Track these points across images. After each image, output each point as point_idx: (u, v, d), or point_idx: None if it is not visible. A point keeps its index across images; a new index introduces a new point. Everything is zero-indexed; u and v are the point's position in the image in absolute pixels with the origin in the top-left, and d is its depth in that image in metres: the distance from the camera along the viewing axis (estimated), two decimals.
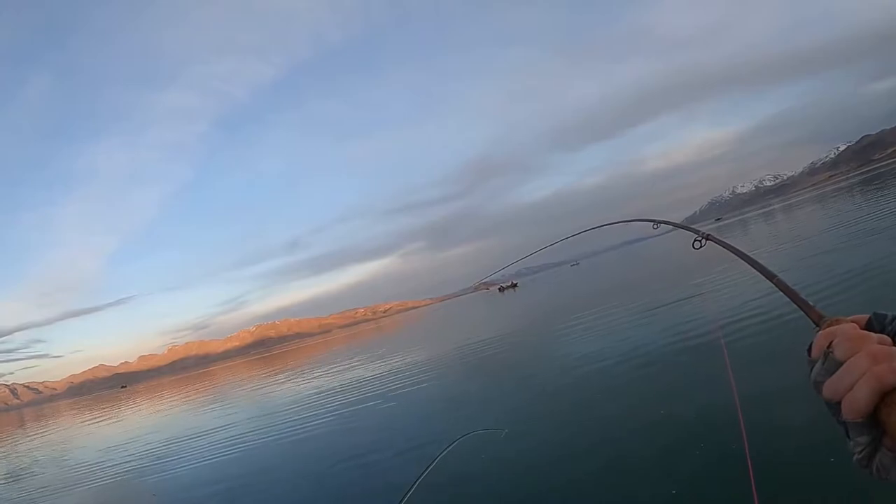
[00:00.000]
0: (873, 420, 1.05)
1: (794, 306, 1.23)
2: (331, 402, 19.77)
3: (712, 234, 2.00)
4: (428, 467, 3.77)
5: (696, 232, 2.08)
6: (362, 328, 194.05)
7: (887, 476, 1.05)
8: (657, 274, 34.10)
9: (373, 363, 31.21)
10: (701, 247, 2.06)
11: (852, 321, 1.05)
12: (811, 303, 1.18)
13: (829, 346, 1.05)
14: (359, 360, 35.73)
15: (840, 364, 1.05)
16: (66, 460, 23.17)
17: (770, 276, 1.43)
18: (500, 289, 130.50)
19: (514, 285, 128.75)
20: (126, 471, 17.08)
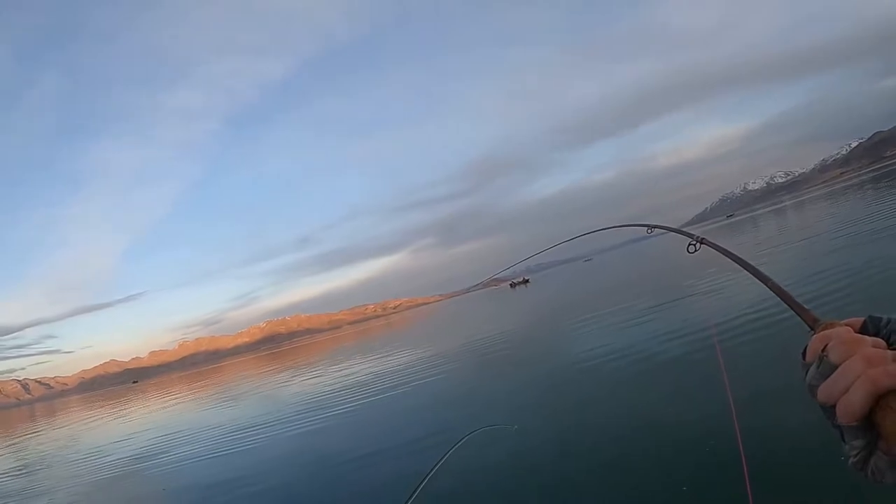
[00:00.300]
0: (868, 423, 1.05)
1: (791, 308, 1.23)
2: (341, 398, 19.83)
3: (706, 238, 1.99)
4: (438, 462, 3.79)
5: (691, 236, 2.07)
6: (372, 324, 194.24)
7: (883, 479, 1.05)
8: (660, 273, 34.02)
9: (383, 359, 31.22)
10: (696, 251, 2.05)
11: (847, 324, 1.05)
12: (806, 306, 1.17)
13: (823, 350, 1.05)
14: (369, 356, 35.80)
15: (835, 367, 1.05)
16: (77, 454, 23.28)
17: (764, 279, 1.43)
18: (511, 284, 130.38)
19: (526, 281, 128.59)
20: (136, 464, 17.18)
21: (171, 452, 17.71)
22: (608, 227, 3.62)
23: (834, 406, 1.05)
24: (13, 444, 36.53)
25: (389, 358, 30.80)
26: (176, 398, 46.38)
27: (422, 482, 3.44)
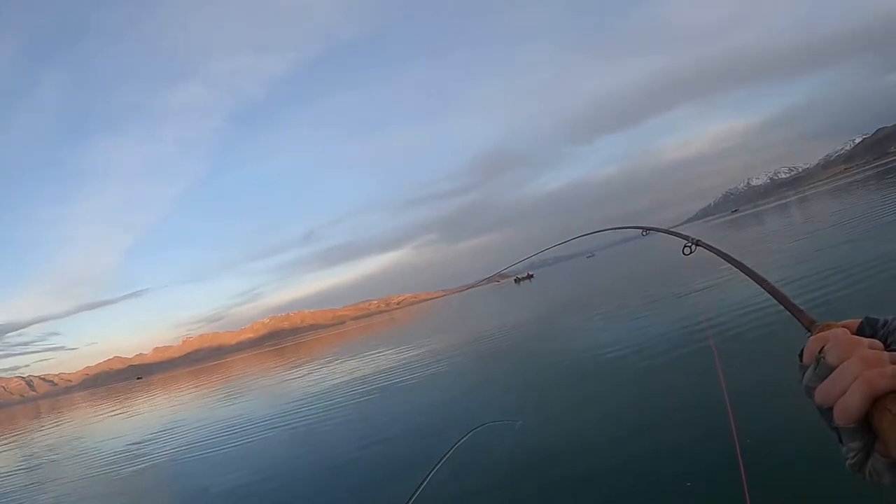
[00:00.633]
0: (866, 425, 1.04)
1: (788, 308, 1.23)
2: (345, 394, 19.86)
3: (702, 240, 1.99)
4: (442, 458, 3.80)
5: (686, 238, 2.06)
6: (376, 320, 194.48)
7: (880, 481, 1.04)
8: (659, 271, 33.95)
9: (386, 355, 31.24)
10: (691, 253, 2.04)
11: (844, 326, 1.05)
12: (802, 307, 1.18)
13: (820, 352, 1.04)
14: (372, 352, 35.82)
15: (832, 369, 1.04)
16: (82, 451, 23.31)
17: (760, 281, 1.43)
18: (515, 280, 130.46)
19: (530, 276, 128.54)
20: (142, 461, 17.19)
21: (175, 448, 17.75)
22: (605, 229, 3.64)
23: (831, 408, 1.04)
24: (18, 441, 36.60)
25: (392, 354, 30.86)
26: (181, 394, 46.49)
27: (426, 477, 3.45)
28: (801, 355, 1.04)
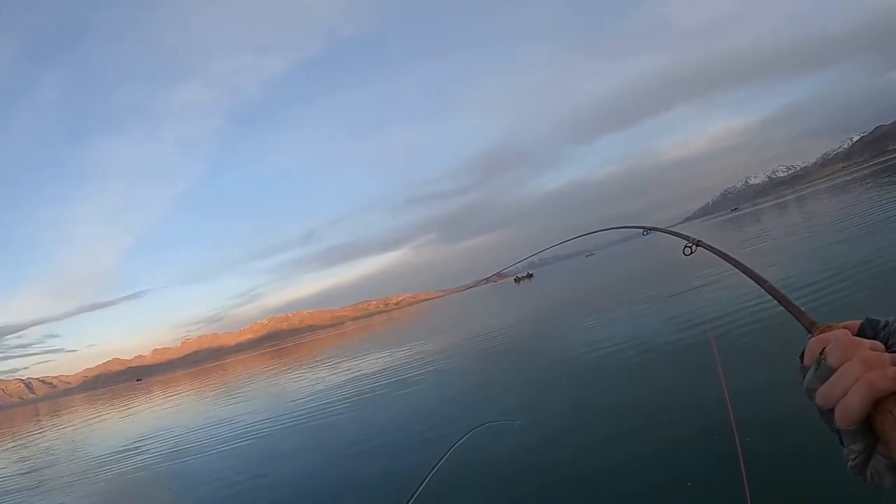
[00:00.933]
0: (867, 427, 1.04)
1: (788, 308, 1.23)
2: (344, 395, 19.86)
3: (702, 240, 1.98)
4: (442, 458, 3.79)
5: (686, 238, 2.06)
6: (375, 320, 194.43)
7: (881, 482, 1.04)
8: (659, 270, 33.94)
9: (385, 355, 31.22)
10: (691, 253, 2.03)
11: (844, 327, 1.04)
12: (803, 308, 1.17)
13: (821, 353, 1.04)
14: (371, 353, 35.81)
15: (833, 371, 1.04)
16: (81, 453, 23.34)
17: (761, 281, 1.43)
18: (515, 279, 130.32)
19: (530, 276, 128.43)
20: (141, 463, 17.21)
21: (175, 450, 17.75)
22: (606, 229, 3.65)
23: (832, 409, 1.04)
24: (17, 444, 36.61)
25: (391, 354, 30.85)
26: (180, 396, 46.47)
27: (426, 477, 3.45)
28: (801, 357, 1.04)
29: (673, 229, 2.41)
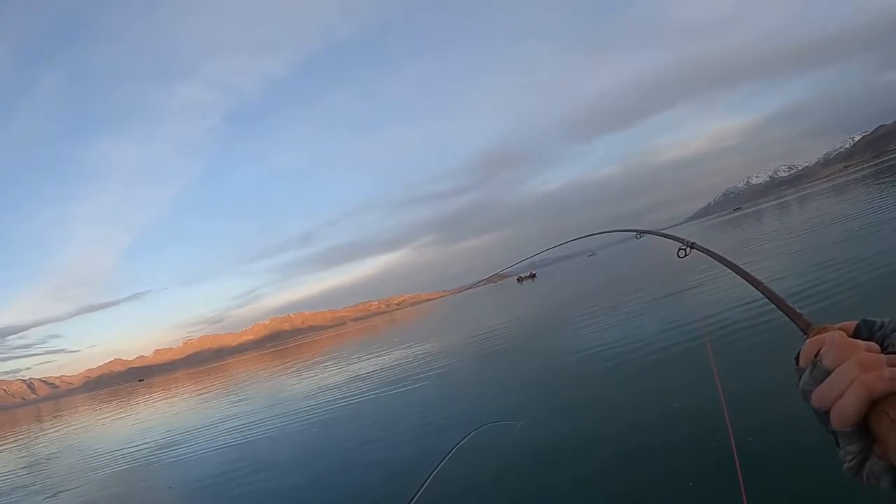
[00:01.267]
0: (863, 428, 1.04)
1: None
2: (346, 395, 19.87)
3: (696, 242, 1.98)
4: (443, 459, 3.81)
5: (680, 241, 2.06)
6: (376, 321, 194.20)
7: (878, 484, 1.04)
8: (658, 270, 33.94)
9: (386, 356, 31.20)
10: (686, 255, 2.03)
11: (840, 328, 1.04)
12: (798, 310, 1.17)
13: (817, 355, 1.04)
14: (372, 353, 35.81)
15: (828, 372, 1.04)
16: (83, 453, 23.36)
17: (756, 283, 1.43)
18: (518, 279, 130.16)
19: (533, 276, 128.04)
20: (143, 463, 17.24)
21: (176, 450, 17.76)
22: (600, 233, 3.68)
23: (828, 411, 1.04)
24: (20, 444, 36.65)
25: (393, 355, 30.82)
26: (182, 396, 46.46)
27: (428, 477, 3.44)
28: (797, 358, 1.04)
29: (667, 232, 2.41)
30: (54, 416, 67.33)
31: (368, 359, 32.38)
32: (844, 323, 1.04)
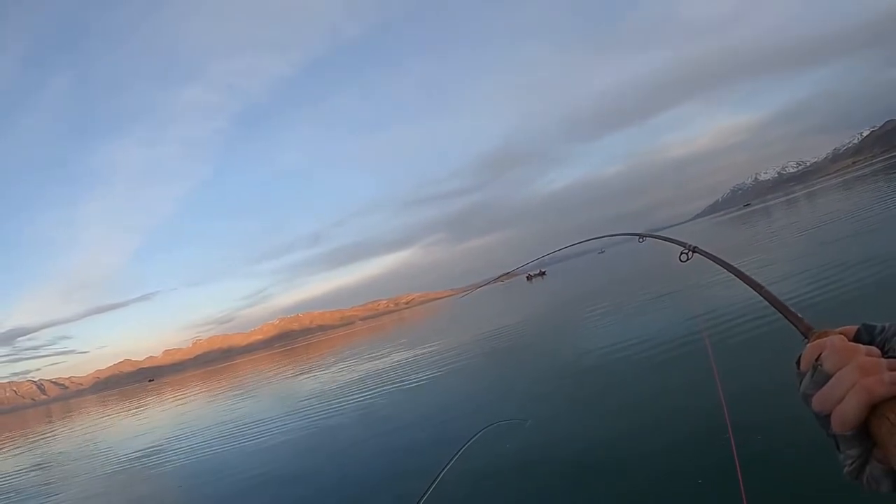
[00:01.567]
0: (863, 432, 1.05)
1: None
2: (354, 394, 19.92)
3: (698, 246, 1.98)
4: (453, 457, 3.82)
5: (682, 244, 2.06)
6: (385, 320, 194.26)
7: (878, 488, 1.05)
8: (666, 269, 33.83)
9: (396, 355, 31.23)
10: (688, 259, 2.03)
11: (841, 333, 1.05)
12: (799, 314, 1.17)
13: (817, 359, 1.04)
14: (382, 352, 35.90)
15: (829, 376, 1.04)
16: (93, 453, 23.49)
17: (757, 287, 1.43)
18: (527, 277, 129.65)
19: (543, 274, 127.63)
20: (153, 462, 17.27)
21: (186, 450, 17.80)
22: (602, 237, 3.76)
23: (829, 415, 1.05)
24: (30, 444, 36.76)
25: (402, 354, 30.89)
26: (192, 395, 46.59)
27: (438, 475, 3.45)
28: (798, 362, 1.05)
29: (669, 235, 2.41)
30: (64, 417, 67.53)
31: (377, 358, 32.41)
32: (845, 327, 1.05)
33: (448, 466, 3.61)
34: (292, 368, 46.64)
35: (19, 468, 24.63)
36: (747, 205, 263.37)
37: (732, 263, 1.64)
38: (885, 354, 1.05)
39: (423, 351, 28.79)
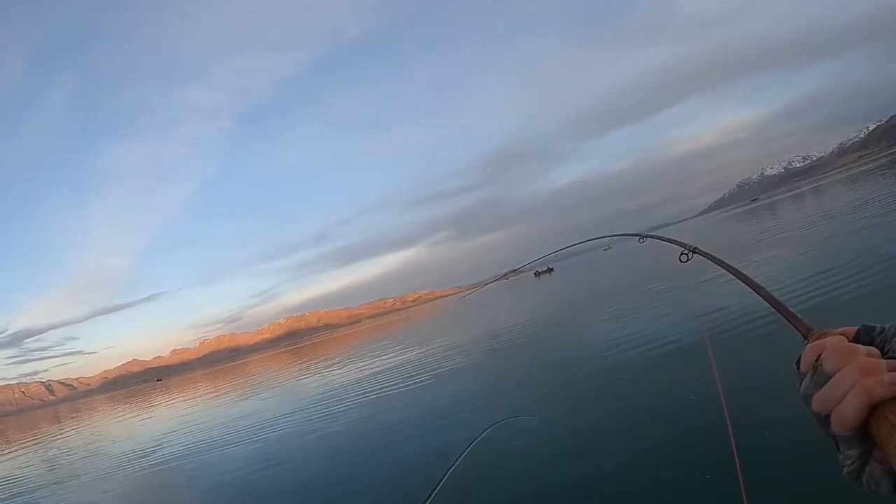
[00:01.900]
0: (863, 433, 1.05)
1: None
2: (362, 392, 20.02)
3: (699, 247, 1.98)
4: (461, 454, 3.84)
5: (683, 245, 2.06)
6: (391, 318, 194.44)
7: (878, 489, 1.05)
8: (670, 267, 33.81)
9: (403, 352, 31.32)
10: (688, 260, 2.03)
11: (841, 333, 1.05)
12: (799, 315, 1.17)
13: (817, 360, 1.04)
14: (389, 350, 35.95)
15: (829, 377, 1.05)
16: (102, 452, 23.57)
17: (757, 288, 1.44)
18: (535, 274, 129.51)
19: (550, 270, 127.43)
20: (162, 461, 17.32)
21: (195, 449, 17.85)
22: (603, 237, 3.78)
23: (829, 416, 1.05)
24: (39, 444, 36.91)
25: (410, 351, 30.98)
26: (200, 395, 46.70)
27: (446, 472, 3.47)
28: (798, 363, 1.05)
29: (669, 236, 2.41)
30: (72, 417, 67.76)
31: (384, 356, 32.47)
32: (845, 328, 1.05)
33: (457, 463, 3.61)
34: (299, 367, 46.74)
35: (30, 469, 24.77)
36: (754, 200, 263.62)
37: (732, 264, 1.64)
38: (884, 355, 1.05)
39: (430, 349, 28.83)
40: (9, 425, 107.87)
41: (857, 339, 1.05)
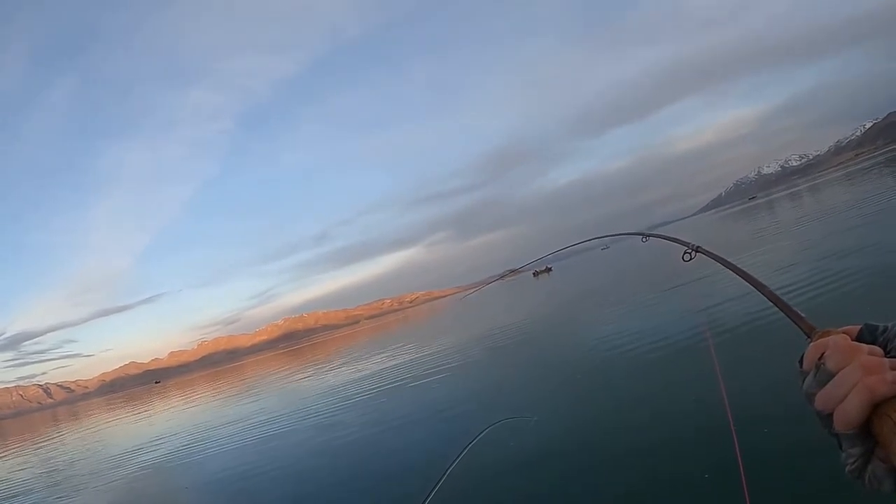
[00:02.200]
0: (865, 431, 1.05)
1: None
2: (359, 393, 19.94)
3: (701, 246, 1.99)
4: (459, 455, 3.80)
5: (686, 244, 2.06)
6: (389, 319, 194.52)
7: (880, 487, 1.05)
8: (669, 266, 33.81)
9: (400, 353, 31.24)
10: (691, 259, 2.04)
11: (843, 332, 1.05)
12: (802, 313, 1.18)
13: (820, 358, 1.04)
14: (386, 351, 35.89)
15: (832, 376, 1.05)
16: (100, 455, 23.52)
17: (760, 287, 1.44)
18: (534, 273, 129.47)
19: (549, 270, 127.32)
20: (160, 464, 17.32)
21: (193, 451, 17.83)
22: (605, 236, 3.82)
23: (831, 414, 1.05)
24: (37, 448, 36.84)
25: (407, 352, 30.92)
26: (198, 397, 46.72)
27: (444, 473, 3.46)
28: (800, 362, 1.05)
29: (673, 235, 2.42)
30: (70, 420, 67.71)
31: (382, 357, 32.45)
32: (848, 327, 1.05)
33: (455, 463, 3.61)
34: (297, 369, 46.69)
35: (27, 472, 24.71)
36: (752, 198, 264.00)
37: (735, 263, 1.64)
38: (887, 354, 1.05)
39: (428, 349, 28.80)
40: (6, 429, 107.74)
41: (859, 337, 1.05)
